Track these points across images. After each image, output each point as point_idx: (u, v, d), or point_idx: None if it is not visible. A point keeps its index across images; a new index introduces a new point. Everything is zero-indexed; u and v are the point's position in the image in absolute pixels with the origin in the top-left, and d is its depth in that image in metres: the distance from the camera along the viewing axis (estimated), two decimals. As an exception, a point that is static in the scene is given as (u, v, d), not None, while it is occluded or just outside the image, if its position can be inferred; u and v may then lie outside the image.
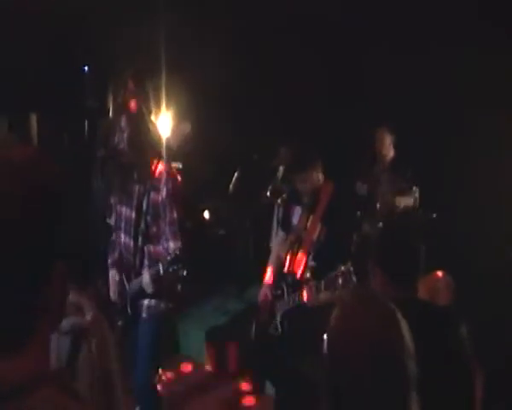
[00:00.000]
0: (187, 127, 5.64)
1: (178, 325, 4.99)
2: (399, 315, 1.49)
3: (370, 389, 1.40)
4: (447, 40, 4.87)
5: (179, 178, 3.42)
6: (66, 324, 1.88)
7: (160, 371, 4.39)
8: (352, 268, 3.00)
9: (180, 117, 5.85)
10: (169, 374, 4.52)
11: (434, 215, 4.67)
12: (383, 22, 5.18)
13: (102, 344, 1.91)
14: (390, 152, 5.16)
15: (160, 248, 3.14)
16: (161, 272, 2.95)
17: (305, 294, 3.27)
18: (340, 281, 2.98)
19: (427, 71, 4.98)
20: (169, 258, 2.94)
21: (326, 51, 5.42)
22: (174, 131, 5.69)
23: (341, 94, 5.44)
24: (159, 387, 3.38)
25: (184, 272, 2.94)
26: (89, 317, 1.92)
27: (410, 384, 1.42)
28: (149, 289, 3.08)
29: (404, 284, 2.11)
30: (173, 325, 4.86)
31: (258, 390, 4.27)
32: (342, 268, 3.01)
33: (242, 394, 4.31)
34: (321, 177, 3.53)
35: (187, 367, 4.71)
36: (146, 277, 3.07)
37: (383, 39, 5.14)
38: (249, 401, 4.20)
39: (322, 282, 3.11)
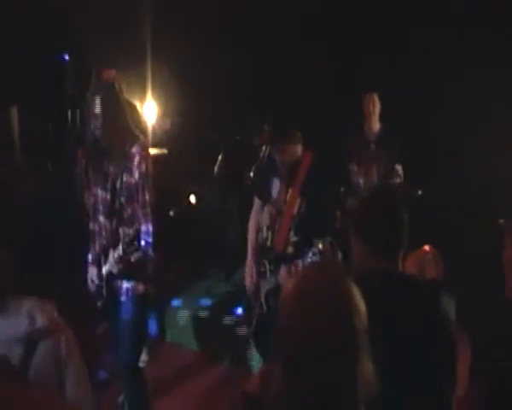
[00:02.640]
0: (166, 123, 5.57)
1: (165, 309, 4.97)
2: (350, 280, 1.46)
3: (317, 349, 1.38)
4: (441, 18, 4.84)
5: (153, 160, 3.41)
6: (18, 331, 1.84)
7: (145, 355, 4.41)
8: (330, 245, 2.98)
9: (164, 103, 5.81)
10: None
11: (420, 192, 4.60)
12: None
13: (57, 349, 1.87)
14: (376, 124, 4.99)
15: (134, 230, 3.11)
16: (121, 252, 2.94)
17: (281, 273, 3.26)
18: (319, 259, 2.95)
19: (416, 43, 4.94)
20: (127, 239, 2.93)
21: (309, 25, 5.35)
22: (154, 125, 5.64)
23: (326, 66, 5.37)
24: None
25: (151, 254, 2.95)
26: (41, 323, 1.87)
27: (358, 348, 1.40)
28: (115, 270, 3.07)
29: (386, 256, 2.03)
30: (160, 309, 4.85)
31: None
32: (320, 246, 2.98)
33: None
34: (300, 149, 3.50)
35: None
36: (110, 258, 3.08)
37: (370, 8, 5.08)
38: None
39: (301, 261, 3.09)
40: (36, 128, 5.75)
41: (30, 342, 1.83)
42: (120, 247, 2.96)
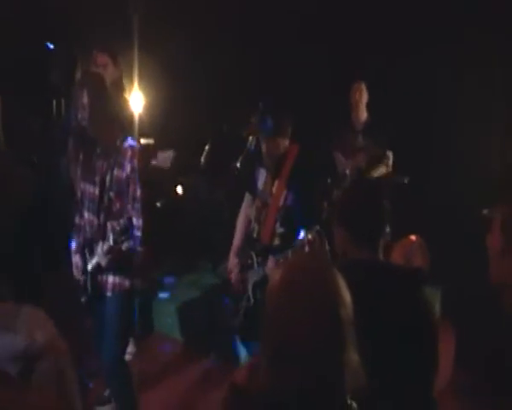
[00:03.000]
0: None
1: (152, 301, 4.97)
2: (336, 270, 1.46)
3: (303, 340, 1.38)
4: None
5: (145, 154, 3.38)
6: (16, 349, 1.77)
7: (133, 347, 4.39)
8: (318, 234, 2.97)
9: (151, 93, 5.76)
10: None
11: (406, 181, 4.63)
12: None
13: (57, 368, 1.83)
14: (364, 113, 5.01)
15: (125, 220, 3.08)
16: (111, 243, 2.92)
17: (268, 265, 3.26)
18: (307, 249, 2.94)
19: (416, 43, 4.93)
20: (118, 228, 2.89)
21: (297, 13, 5.34)
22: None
23: (314, 56, 5.35)
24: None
25: (138, 248, 2.94)
26: (41, 340, 1.81)
27: (344, 339, 1.41)
28: (103, 262, 3.05)
29: (368, 244, 2.05)
30: (146, 301, 4.84)
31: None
32: (309, 236, 2.98)
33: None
34: (287, 142, 3.49)
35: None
36: (99, 250, 3.05)
37: (370, 8, 5.06)
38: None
39: (289, 252, 3.08)
40: (20, 119, 5.67)
41: (28, 360, 1.76)
42: (111, 237, 2.92)
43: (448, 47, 4.80)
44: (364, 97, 4.98)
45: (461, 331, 3.58)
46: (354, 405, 1.43)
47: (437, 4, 4.81)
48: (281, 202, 3.44)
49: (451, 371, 3.26)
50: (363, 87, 4.95)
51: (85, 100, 3.03)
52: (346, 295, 1.44)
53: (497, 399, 1.90)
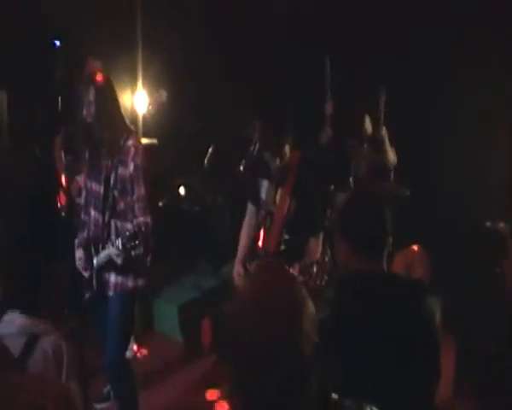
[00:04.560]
0: (162, 95, 5.54)
1: (153, 301, 4.97)
2: (303, 291, 1.39)
3: (260, 367, 1.31)
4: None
5: (148, 153, 3.37)
6: (19, 325, 1.83)
7: (135, 347, 4.40)
8: (328, 258, 2.97)
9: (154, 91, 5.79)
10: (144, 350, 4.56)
11: (408, 193, 4.63)
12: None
13: (59, 349, 1.87)
14: (369, 127, 4.93)
15: (127, 223, 3.09)
16: (120, 247, 2.90)
17: None
18: (315, 269, 2.90)
19: (416, 43, 4.94)
20: (128, 234, 2.89)
21: (299, 16, 5.34)
22: (150, 100, 5.65)
23: (318, 63, 5.36)
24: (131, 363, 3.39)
25: (141, 249, 2.92)
26: (45, 326, 1.88)
27: (301, 366, 1.32)
28: (119, 261, 3.00)
29: (370, 256, 2.03)
30: (147, 301, 4.84)
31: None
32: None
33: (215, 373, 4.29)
34: (288, 149, 3.48)
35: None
36: (112, 250, 2.99)
37: (370, 8, 5.06)
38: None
39: (296, 267, 3.04)
40: (25, 113, 5.67)
41: (33, 336, 1.83)
42: (120, 241, 2.91)
43: (448, 47, 4.80)
44: (368, 128, 4.95)
45: (462, 340, 3.60)
46: (335, 395, 1.40)
47: (437, 4, 4.81)
48: (285, 211, 3.43)
49: (451, 381, 3.27)
50: (368, 121, 4.92)
51: (92, 97, 3.03)
52: (310, 307, 1.37)
53: (500, 404, 1.91)
